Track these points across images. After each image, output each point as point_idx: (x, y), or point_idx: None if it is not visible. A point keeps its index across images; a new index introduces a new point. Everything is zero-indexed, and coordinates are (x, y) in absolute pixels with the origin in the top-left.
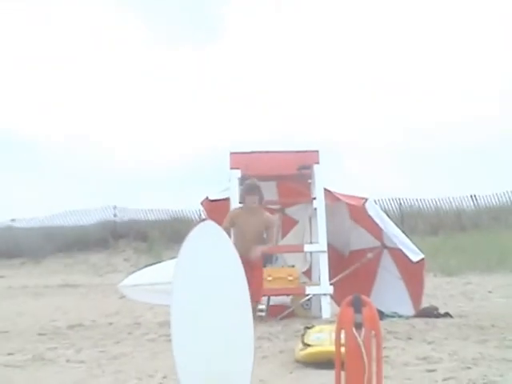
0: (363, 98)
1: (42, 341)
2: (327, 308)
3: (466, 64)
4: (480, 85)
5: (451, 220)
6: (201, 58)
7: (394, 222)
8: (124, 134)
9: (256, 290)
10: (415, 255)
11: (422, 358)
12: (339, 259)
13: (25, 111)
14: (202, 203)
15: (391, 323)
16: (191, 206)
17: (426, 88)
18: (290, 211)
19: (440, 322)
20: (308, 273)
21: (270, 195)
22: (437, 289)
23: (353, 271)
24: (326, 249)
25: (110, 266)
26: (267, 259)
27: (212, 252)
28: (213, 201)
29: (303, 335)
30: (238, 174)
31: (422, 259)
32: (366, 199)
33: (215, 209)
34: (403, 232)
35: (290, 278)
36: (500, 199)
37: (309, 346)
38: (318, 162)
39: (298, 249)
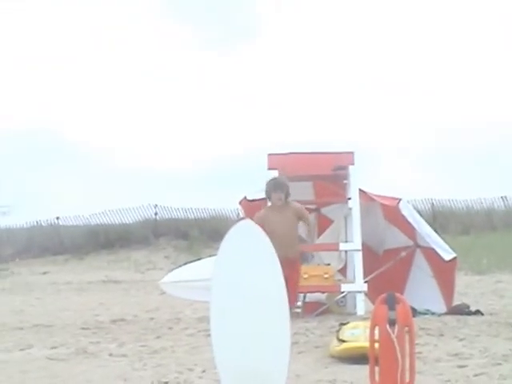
0: (396, 100)
1: (85, 335)
2: (361, 305)
3: (501, 61)
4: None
5: (482, 220)
6: (233, 60)
7: (426, 221)
8: (165, 135)
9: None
10: (447, 254)
11: (453, 354)
12: (373, 258)
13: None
14: (240, 203)
15: (424, 320)
16: (230, 205)
17: (459, 88)
18: (325, 211)
19: (471, 319)
20: (343, 271)
21: (307, 195)
22: (468, 287)
23: (386, 269)
24: (360, 247)
25: (151, 263)
26: (304, 257)
27: (250, 250)
28: (251, 200)
29: (338, 331)
30: (275, 174)
31: (454, 258)
32: (400, 199)
33: (253, 208)
34: (435, 231)
35: (326, 276)
36: None
37: (344, 341)
38: (353, 163)
39: (334, 247)
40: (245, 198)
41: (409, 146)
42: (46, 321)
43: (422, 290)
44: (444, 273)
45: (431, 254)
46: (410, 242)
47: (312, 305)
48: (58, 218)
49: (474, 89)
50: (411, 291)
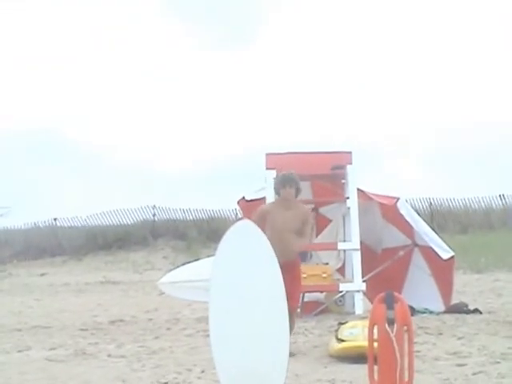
0: (395, 100)
1: (84, 336)
2: (360, 304)
3: (500, 61)
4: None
5: (480, 219)
6: (233, 60)
7: (424, 220)
8: (164, 135)
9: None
10: (445, 253)
11: (452, 353)
12: (372, 257)
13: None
14: (238, 203)
15: (422, 319)
16: (228, 205)
17: (458, 88)
18: (323, 210)
19: (469, 317)
20: (341, 270)
21: (305, 195)
22: (466, 286)
23: (385, 268)
24: (358, 247)
25: (149, 263)
26: (302, 257)
27: (248, 250)
28: (249, 201)
29: (337, 331)
30: (273, 174)
31: (452, 257)
32: (398, 199)
33: (251, 208)
34: (433, 230)
35: (324, 276)
36: None
37: (342, 341)
38: (351, 163)
39: (332, 247)
40: (243, 198)
41: (407, 146)
42: (44, 322)
43: (420, 289)
44: (442, 271)
45: (429, 253)
46: (408, 241)
47: (311, 304)
48: (55, 220)
49: (473, 89)
50: (409, 290)
